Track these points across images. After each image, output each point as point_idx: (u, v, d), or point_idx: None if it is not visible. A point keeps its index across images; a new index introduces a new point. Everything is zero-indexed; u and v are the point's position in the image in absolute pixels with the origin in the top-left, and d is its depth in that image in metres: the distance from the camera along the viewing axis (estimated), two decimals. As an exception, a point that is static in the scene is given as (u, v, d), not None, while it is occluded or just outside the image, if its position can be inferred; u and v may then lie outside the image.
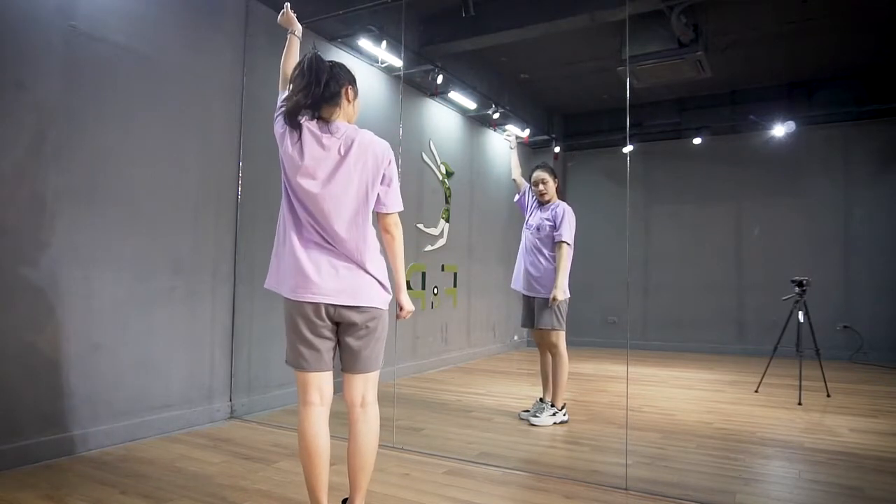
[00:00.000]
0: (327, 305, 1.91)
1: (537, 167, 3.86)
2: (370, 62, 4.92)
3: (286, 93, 1.99)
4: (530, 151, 7.49)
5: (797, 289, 4.68)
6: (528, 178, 3.91)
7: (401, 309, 2.16)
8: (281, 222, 1.98)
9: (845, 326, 6.56)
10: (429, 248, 5.77)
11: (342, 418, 2.12)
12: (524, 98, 7.05)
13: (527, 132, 6.97)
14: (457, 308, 6.24)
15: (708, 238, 7.45)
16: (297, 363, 1.95)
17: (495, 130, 6.98)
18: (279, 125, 1.97)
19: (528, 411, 3.80)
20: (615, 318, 7.43)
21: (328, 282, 1.89)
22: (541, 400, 3.80)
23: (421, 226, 5.65)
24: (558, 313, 3.67)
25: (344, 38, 4.53)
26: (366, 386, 2.00)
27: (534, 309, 3.76)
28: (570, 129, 7.91)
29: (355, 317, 1.93)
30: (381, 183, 2.00)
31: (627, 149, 6.79)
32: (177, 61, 3.38)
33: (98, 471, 2.65)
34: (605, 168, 7.80)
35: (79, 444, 2.87)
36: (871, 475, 2.76)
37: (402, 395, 4.47)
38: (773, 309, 5.62)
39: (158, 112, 3.28)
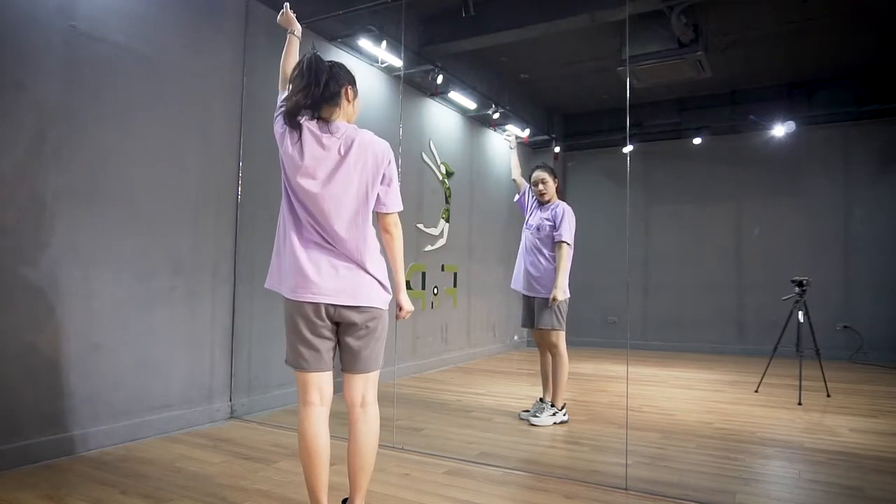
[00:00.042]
0: (327, 305, 1.91)
1: (537, 167, 3.86)
2: (370, 62, 4.92)
3: (286, 93, 1.99)
4: (530, 151, 7.49)
5: (797, 289, 4.68)
6: (528, 178, 3.91)
7: (400, 309, 2.16)
8: (281, 222, 1.98)
9: (845, 326, 6.56)
10: (429, 248, 5.77)
11: (342, 418, 2.12)
12: (524, 98, 7.05)
13: (527, 132, 6.97)
14: (457, 308, 6.24)
15: (708, 238, 7.45)
16: (297, 363, 1.95)
17: (495, 130, 6.98)
18: (279, 125, 1.97)
19: (528, 411, 3.80)
20: (615, 318, 7.43)
21: (328, 282, 1.89)
22: (541, 400, 3.80)
23: (421, 226, 5.65)
24: (558, 313, 3.67)
25: (344, 38, 4.53)
26: (366, 386, 2.00)
27: (534, 309, 3.76)
28: (570, 129, 7.91)
29: (355, 317, 1.93)
30: (381, 183, 2.00)
31: (627, 149, 6.79)
32: (177, 61, 3.38)
33: (98, 471, 2.65)
34: (605, 168, 7.80)
35: (79, 444, 2.87)
36: (871, 475, 2.76)
37: (402, 395, 4.47)
38: (773, 309, 5.62)
39: (158, 112, 3.28)
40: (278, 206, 2.01)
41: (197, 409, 3.46)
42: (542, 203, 3.82)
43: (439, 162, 5.98)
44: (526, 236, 3.85)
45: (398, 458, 2.91)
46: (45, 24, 2.77)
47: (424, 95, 5.74)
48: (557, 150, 7.57)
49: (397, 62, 4.87)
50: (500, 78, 6.48)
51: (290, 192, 1.94)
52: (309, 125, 1.93)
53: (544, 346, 3.78)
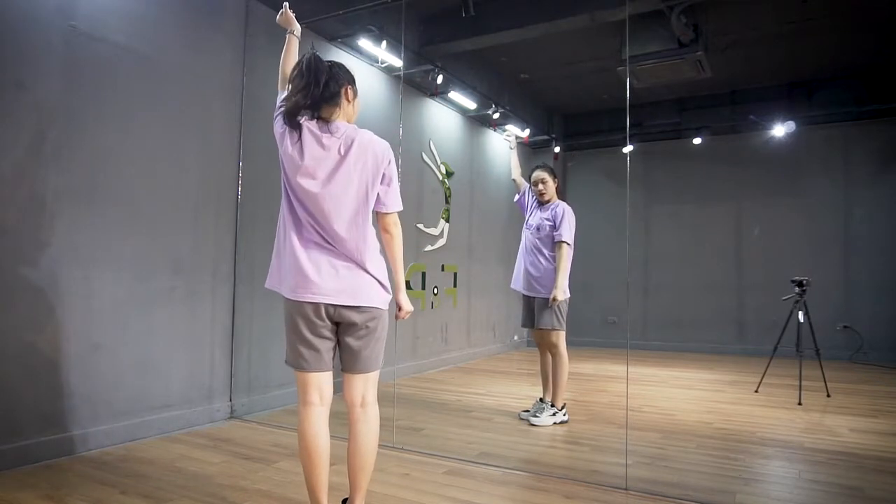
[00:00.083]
0: (327, 305, 1.91)
1: (537, 167, 3.86)
2: (370, 62, 4.92)
3: (285, 93, 1.99)
4: (530, 151, 7.49)
5: (797, 289, 4.68)
6: (528, 178, 3.91)
7: (399, 309, 2.16)
8: (281, 222, 1.98)
9: (845, 326, 6.56)
10: (429, 248, 5.77)
11: (342, 418, 2.12)
12: (524, 98, 7.05)
13: (527, 132, 6.97)
14: (457, 308, 6.24)
15: (708, 238, 7.45)
16: (297, 363, 1.94)
17: (495, 130, 6.98)
18: (279, 125, 1.97)
19: (528, 411, 3.80)
20: (615, 318, 7.43)
21: (328, 282, 1.89)
22: (541, 400, 3.80)
23: (421, 226, 5.65)
24: (558, 313, 3.67)
25: (344, 38, 4.53)
26: (366, 386, 2.00)
27: (534, 309, 3.76)
28: (570, 129, 7.91)
29: (355, 317, 1.93)
30: (381, 182, 2.00)
31: (627, 149, 6.80)
32: (177, 61, 3.38)
33: (98, 471, 2.65)
34: (605, 168, 7.80)
35: (79, 444, 2.87)
36: (871, 475, 2.76)
37: (402, 395, 4.47)
38: (773, 309, 5.62)
39: (158, 112, 3.28)
40: (278, 206, 2.01)
41: (197, 409, 3.46)
42: (541, 203, 3.82)
43: (439, 162, 5.98)
44: (526, 236, 3.85)
45: (398, 458, 2.91)
46: (45, 24, 2.77)
47: (424, 95, 5.74)
48: (557, 150, 7.57)
49: (397, 62, 4.87)
50: (500, 78, 6.48)
51: (289, 192, 1.94)
52: (309, 125, 1.93)
53: (544, 346, 3.77)
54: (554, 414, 3.66)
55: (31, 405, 2.71)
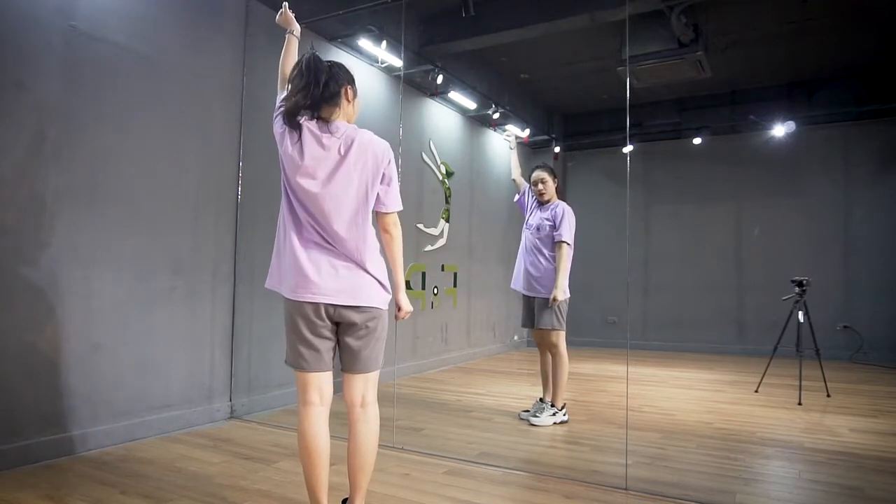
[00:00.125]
0: (327, 305, 1.91)
1: (537, 167, 3.86)
2: (370, 62, 4.92)
3: (285, 93, 1.99)
4: (530, 151, 7.49)
5: (797, 289, 4.68)
6: (528, 178, 3.91)
7: (399, 309, 2.16)
8: (281, 222, 1.98)
9: (845, 326, 6.56)
10: (429, 248, 5.77)
11: (342, 418, 2.12)
12: (524, 98, 7.05)
13: (527, 132, 6.97)
14: (457, 308, 6.24)
15: (708, 238, 7.45)
16: (297, 363, 1.94)
17: (495, 130, 6.98)
18: (278, 125, 1.97)
19: (528, 411, 3.80)
20: (615, 318, 7.43)
21: (328, 282, 1.89)
22: (541, 400, 3.80)
23: (421, 226, 5.65)
24: (558, 313, 3.67)
25: (344, 38, 4.53)
26: (366, 386, 2.00)
27: (534, 309, 3.76)
28: (570, 129, 7.91)
29: (355, 317, 1.93)
30: (381, 182, 2.00)
31: (627, 149, 6.80)
32: (177, 61, 3.38)
33: (98, 471, 2.65)
34: (605, 168, 7.80)
35: (79, 444, 2.87)
36: (871, 475, 2.76)
37: (402, 395, 4.47)
38: (773, 309, 5.62)
39: (158, 112, 3.28)
40: (278, 206, 2.01)
41: (197, 409, 3.46)
42: (541, 203, 3.82)
43: (439, 162, 5.98)
44: (526, 236, 3.85)
45: (398, 458, 2.91)
46: (45, 24, 2.77)
47: (424, 95, 5.74)
48: (557, 150, 7.57)
49: (397, 62, 4.87)
50: (500, 78, 6.48)
51: (289, 192, 1.94)
52: (309, 125, 1.93)
53: (544, 346, 3.77)
54: (554, 414, 3.66)
55: (31, 405, 2.71)
